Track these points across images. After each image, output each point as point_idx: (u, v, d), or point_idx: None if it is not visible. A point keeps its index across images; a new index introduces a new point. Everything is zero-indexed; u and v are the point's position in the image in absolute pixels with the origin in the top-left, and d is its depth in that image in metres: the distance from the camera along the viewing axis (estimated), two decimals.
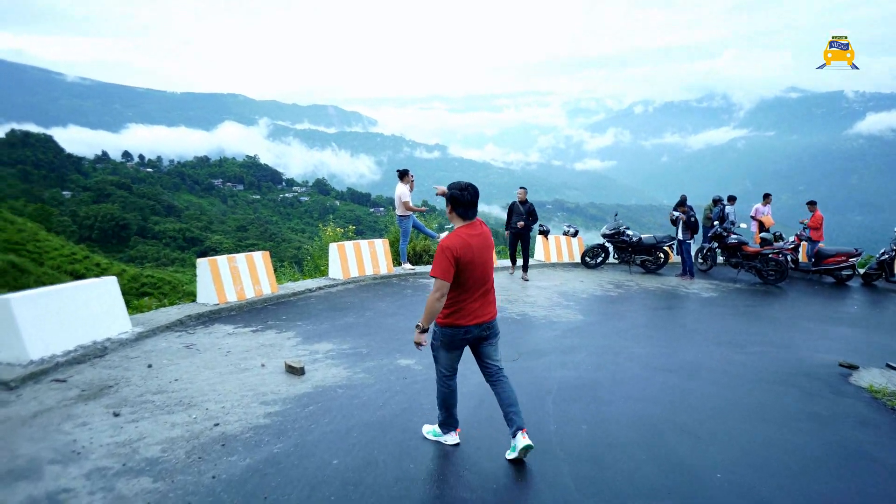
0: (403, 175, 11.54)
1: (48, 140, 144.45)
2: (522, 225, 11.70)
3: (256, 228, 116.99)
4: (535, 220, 11.97)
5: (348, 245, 11.46)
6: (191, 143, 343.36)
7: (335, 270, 11.21)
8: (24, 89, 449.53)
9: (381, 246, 12.02)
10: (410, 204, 11.46)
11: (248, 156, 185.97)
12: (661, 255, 13.86)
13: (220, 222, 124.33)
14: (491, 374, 4.23)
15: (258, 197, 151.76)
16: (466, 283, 3.95)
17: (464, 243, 3.89)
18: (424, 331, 3.99)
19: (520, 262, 12.56)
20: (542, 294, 10.76)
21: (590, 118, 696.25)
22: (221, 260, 8.76)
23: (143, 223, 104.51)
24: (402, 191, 11.36)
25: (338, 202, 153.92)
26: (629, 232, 13.99)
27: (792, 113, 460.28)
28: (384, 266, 11.85)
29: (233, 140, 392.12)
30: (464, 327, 4.02)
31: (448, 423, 4.40)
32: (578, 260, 14.80)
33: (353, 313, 8.68)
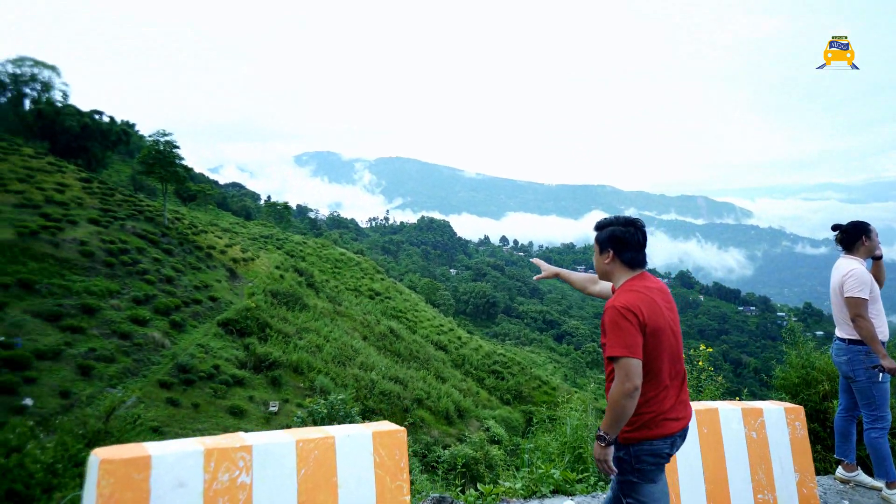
0: (856, 236, 4.28)
1: (446, 225, 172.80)
2: None
3: None
4: None
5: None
6: (560, 231, 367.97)
7: None
8: (434, 184, 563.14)
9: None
10: (868, 313, 4.08)
11: None
12: None
13: (578, 307, 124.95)
14: None
15: None
16: (660, 365, 2.52)
17: (648, 300, 2.52)
18: (610, 443, 2.47)
19: None
20: None
21: None
22: None
23: (510, 302, 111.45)
24: (850, 267, 4.18)
25: (702, 297, 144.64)
26: None
27: None
28: None
29: None
30: (669, 437, 2.56)
31: None
32: None
33: None
